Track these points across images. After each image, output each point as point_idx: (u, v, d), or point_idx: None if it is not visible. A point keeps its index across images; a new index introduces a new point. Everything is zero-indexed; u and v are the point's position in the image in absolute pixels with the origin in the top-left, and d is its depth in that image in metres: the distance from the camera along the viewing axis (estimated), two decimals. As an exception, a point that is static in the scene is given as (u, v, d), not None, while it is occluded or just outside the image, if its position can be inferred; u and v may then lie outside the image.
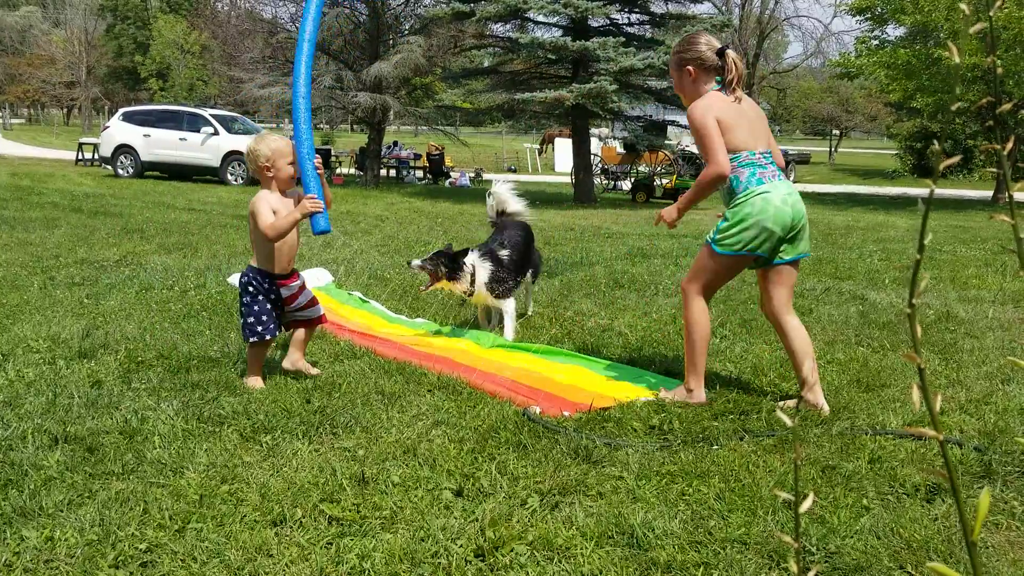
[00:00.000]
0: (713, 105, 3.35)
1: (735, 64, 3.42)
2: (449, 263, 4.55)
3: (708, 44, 3.44)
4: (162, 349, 4.10)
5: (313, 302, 3.84)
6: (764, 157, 3.39)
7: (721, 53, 3.42)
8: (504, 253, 4.71)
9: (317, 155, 3.73)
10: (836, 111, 43.08)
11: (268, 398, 3.39)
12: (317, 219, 3.63)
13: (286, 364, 3.81)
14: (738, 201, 3.34)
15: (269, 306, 3.66)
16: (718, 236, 3.40)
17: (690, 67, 3.44)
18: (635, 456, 2.84)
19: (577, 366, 4.10)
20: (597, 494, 2.56)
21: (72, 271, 6.34)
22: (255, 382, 3.63)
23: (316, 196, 3.60)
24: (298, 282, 3.78)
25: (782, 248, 3.39)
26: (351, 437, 3.00)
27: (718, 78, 3.45)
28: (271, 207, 3.58)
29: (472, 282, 4.57)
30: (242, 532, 2.25)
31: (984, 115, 19.46)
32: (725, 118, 3.33)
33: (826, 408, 3.40)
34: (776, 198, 3.31)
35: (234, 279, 6.04)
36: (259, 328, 3.63)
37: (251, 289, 3.65)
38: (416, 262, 4.63)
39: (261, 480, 2.59)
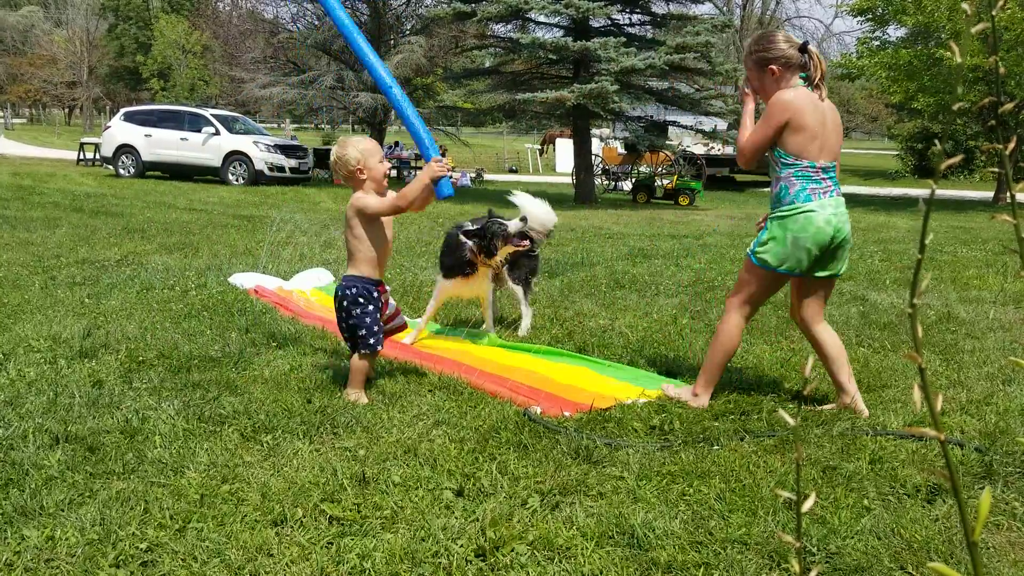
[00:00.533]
0: (801, 106, 3.21)
1: (819, 60, 3.30)
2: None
3: (788, 41, 3.32)
4: (163, 349, 4.10)
5: (398, 310, 3.78)
6: (824, 172, 3.27)
7: (804, 49, 3.30)
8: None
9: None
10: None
11: (269, 398, 3.39)
12: (443, 183, 3.47)
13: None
14: (782, 213, 3.26)
15: (377, 315, 3.54)
16: (757, 248, 3.33)
17: (774, 66, 3.30)
18: (636, 456, 2.84)
19: (578, 366, 4.10)
20: (598, 494, 2.56)
21: (73, 271, 6.34)
22: (360, 396, 3.45)
23: (439, 158, 3.47)
24: (388, 291, 3.70)
25: (818, 265, 3.32)
26: (352, 437, 3.00)
27: (801, 75, 3.32)
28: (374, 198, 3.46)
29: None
30: (243, 532, 2.25)
31: (985, 116, 19.45)
32: (807, 124, 3.20)
33: (866, 412, 3.38)
34: (820, 218, 3.22)
35: (236, 279, 6.05)
36: (371, 340, 3.49)
37: (361, 300, 3.49)
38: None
39: (262, 480, 2.59)
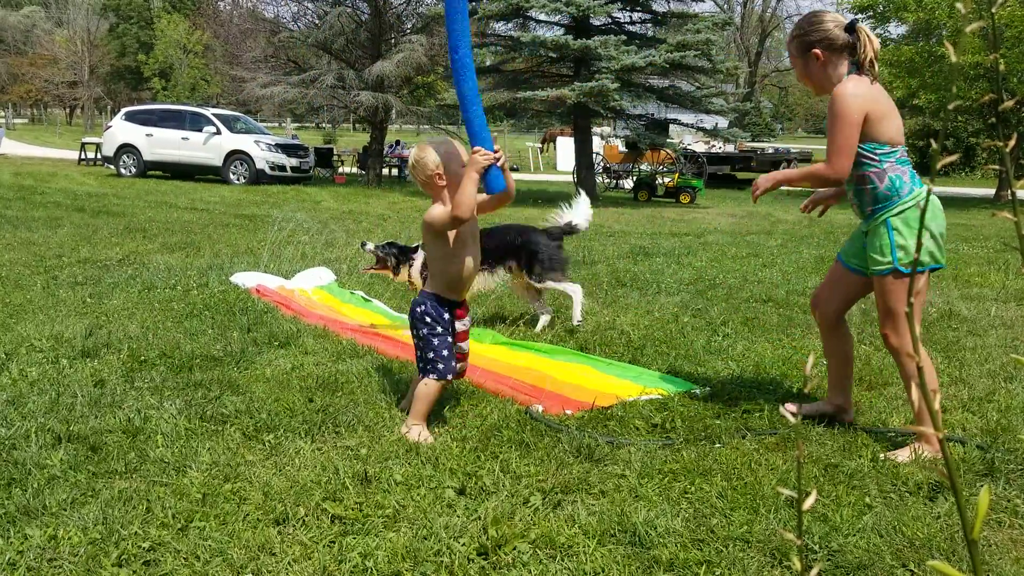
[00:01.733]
0: (864, 94, 2.88)
1: (869, 39, 2.96)
2: (398, 254, 4.92)
3: (835, 21, 3.00)
4: (165, 348, 4.11)
5: (466, 355, 3.32)
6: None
7: (851, 28, 2.98)
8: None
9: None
10: (838, 109, 42.94)
11: (270, 397, 3.40)
12: (491, 176, 3.02)
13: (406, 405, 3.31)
14: (907, 206, 2.91)
15: (449, 340, 3.13)
16: (900, 255, 2.91)
17: (817, 49, 2.98)
18: (637, 454, 2.84)
19: (579, 364, 4.10)
20: (599, 492, 2.56)
21: (75, 270, 6.35)
22: (423, 432, 3.02)
23: (486, 148, 2.99)
24: (469, 319, 3.29)
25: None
26: (353, 436, 3.00)
27: (852, 60, 3.00)
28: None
29: (408, 275, 4.90)
30: (245, 531, 2.25)
31: (986, 113, 19.42)
32: (878, 107, 2.90)
33: (851, 415, 3.28)
34: (938, 202, 2.98)
35: (237, 278, 6.05)
36: (440, 366, 3.09)
37: (428, 320, 3.10)
38: (370, 245, 4.96)
39: (264, 479, 2.59)
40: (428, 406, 3.09)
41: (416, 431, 3.02)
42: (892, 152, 2.92)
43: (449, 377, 3.12)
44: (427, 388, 3.10)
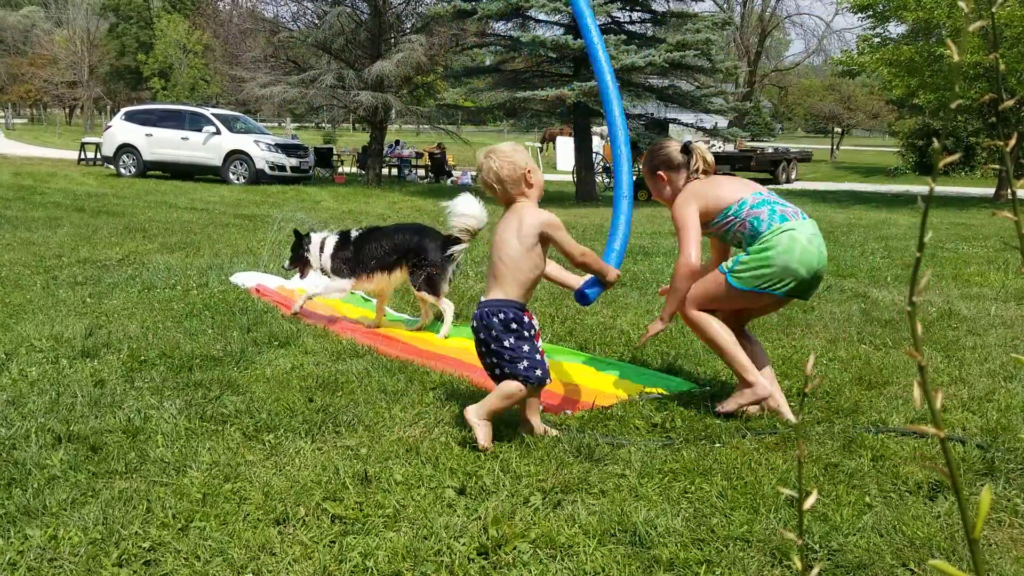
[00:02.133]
0: (687, 198, 3.28)
1: (701, 155, 3.41)
2: (302, 245, 5.12)
3: (674, 146, 3.45)
4: (165, 348, 4.11)
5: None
6: (780, 197, 3.27)
7: (687, 149, 3.41)
8: (354, 233, 5.05)
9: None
10: (838, 109, 42.98)
11: (270, 397, 3.40)
12: (595, 290, 3.38)
13: (536, 431, 3.09)
14: (762, 241, 3.15)
15: (539, 344, 3.06)
16: (736, 267, 3.19)
17: (660, 172, 3.44)
18: (637, 454, 2.84)
19: (579, 364, 4.10)
20: (599, 492, 2.56)
21: (75, 270, 6.35)
22: (484, 427, 2.91)
23: (619, 274, 3.34)
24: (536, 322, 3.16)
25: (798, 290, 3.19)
26: (354, 436, 3.00)
27: (689, 172, 3.43)
28: None
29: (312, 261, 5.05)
30: (245, 531, 2.25)
31: (986, 112, 19.43)
32: (702, 197, 3.27)
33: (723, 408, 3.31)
34: (803, 236, 3.12)
35: (237, 278, 6.05)
36: (538, 372, 2.98)
37: (514, 327, 2.98)
38: (286, 263, 5.25)
39: (264, 479, 2.59)
40: (506, 406, 3.00)
41: (483, 430, 2.89)
42: (740, 205, 3.24)
43: (548, 381, 3.06)
44: (515, 390, 2.96)
